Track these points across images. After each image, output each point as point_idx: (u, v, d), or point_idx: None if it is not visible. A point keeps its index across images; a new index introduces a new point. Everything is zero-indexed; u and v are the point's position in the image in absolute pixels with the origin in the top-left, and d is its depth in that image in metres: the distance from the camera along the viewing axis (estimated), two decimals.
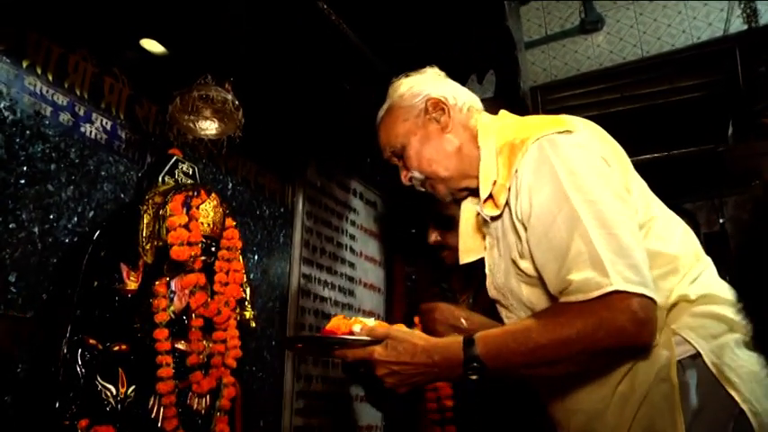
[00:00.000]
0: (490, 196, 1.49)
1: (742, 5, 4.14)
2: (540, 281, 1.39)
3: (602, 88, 3.99)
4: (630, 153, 1.52)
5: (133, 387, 1.82)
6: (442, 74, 1.76)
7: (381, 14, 2.59)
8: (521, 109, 3.48)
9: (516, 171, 1.41)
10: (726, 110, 3.89)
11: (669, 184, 1.62)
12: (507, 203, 1.45)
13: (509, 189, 1.43)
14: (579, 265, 1.23)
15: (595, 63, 4.48)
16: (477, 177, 1.56)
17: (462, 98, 1.69)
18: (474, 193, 1.65)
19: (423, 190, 1.71)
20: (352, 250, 3.79)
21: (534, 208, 1.35)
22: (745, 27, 4.03)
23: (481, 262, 1.67)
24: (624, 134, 1.52)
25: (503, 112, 1.69)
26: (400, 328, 1.40)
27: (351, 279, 3.71)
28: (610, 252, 1.21)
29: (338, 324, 1.43)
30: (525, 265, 1.42)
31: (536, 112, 3.66)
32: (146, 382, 1.84)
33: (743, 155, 3.90)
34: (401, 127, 1.65)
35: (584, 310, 1.20)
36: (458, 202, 1.75)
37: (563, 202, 1.30)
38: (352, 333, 1.39)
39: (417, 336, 1.37)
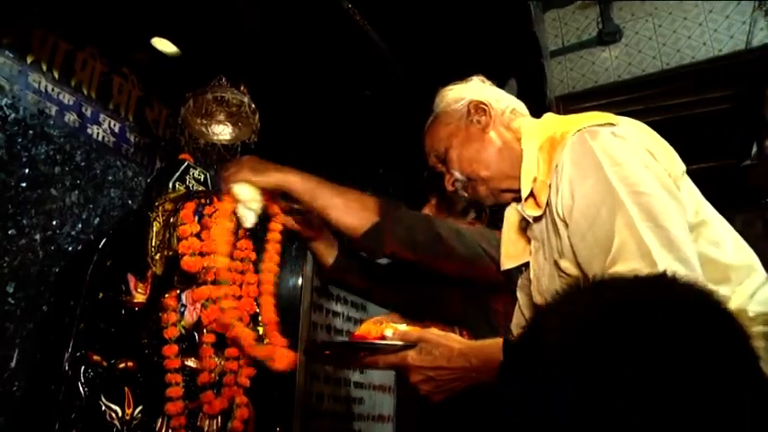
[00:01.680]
0: (531, 194, 1.44)
1: (766, 18, 4.04)
2: (584, 281, 1.28)
3: (625, 99, 3.87)
4: None
5: (140, 408, 1.68)
6: (487, 81, 1.75)
7: (405, 19, 2.47)
8: None
9: (557, 166, 1.36)
10: (752, 124, 3.78)
11: None
12: (548, 202, 1.39)
13: (550, 186, 1.38)
14: (624, 256, 1.15)
15: (613, 75, 4.37)
16: (519, 178, 1.51)
17: (505, 101, 1.68)
18: (517, 195, 1.58)
19: (466, 195, 1.67)
20: None
21: (577, 201, 1.28)
22: None
23: None
24: None
25: (548, 114, 1.63)
26: (433, 330, 1.32)
27: None
28: (658, 245, 1.13)
29: (368, 329, 1.35)
30: (565, 264, 1.34)
31: None
32: (153, 402, 1.70)
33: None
34: (444, 131, 1.66)
35: None
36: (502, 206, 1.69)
37: (607, 193, 1.23)
38: (383, 338, 1.30)
39: (453, 338, 1.30)
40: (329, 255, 2.14)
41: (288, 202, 1.96)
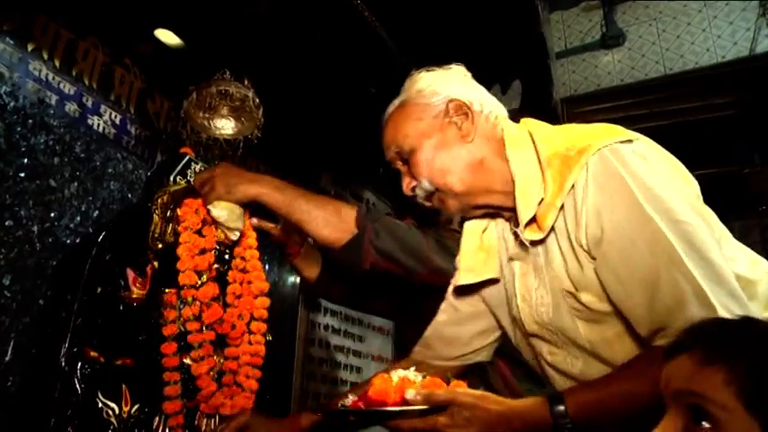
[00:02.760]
0: (534, 219, 1.27)
1: None
2: (614, 316, 1.20)
3: (630, 103, 3.85)
4: None
5: (137, 405, 1.64)
6: (469, 74, 1.52)
7: (413, 17, 2.44)
8: (552, 121, 3.34)
9: (573, 186, 1.21)
10: (756, 130, 3.76)
11: None
12: (554, 226, 1.25)
13: (561, 208, 1.24)
14: (678, 298, 1.05)
15: (616, 79, 4.36)
16: (501, 192, 1.36)
17: (489, 104, 1.45)
18: (491, 211, 1.44)
19: (428, 204, 1.46)
20: None
21: (606, 232, 1.15)
22: None
23: None
24: None
25: (526, 120, 1.45)
26: (465, 390, 1.17)
27: None
28: (707, 280, 1.05)
29: (384, 388, 1.18)
30: (588, 298, 1.23)
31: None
32: (151, 400, 1.66)
33: None
34: (413, 126, 1.42)
35: None
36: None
37: (643, 223, 1.12)
38: (404, 400, 1.14)
39: (490, 399, 1.14)
40: (312, 270, 2.08)
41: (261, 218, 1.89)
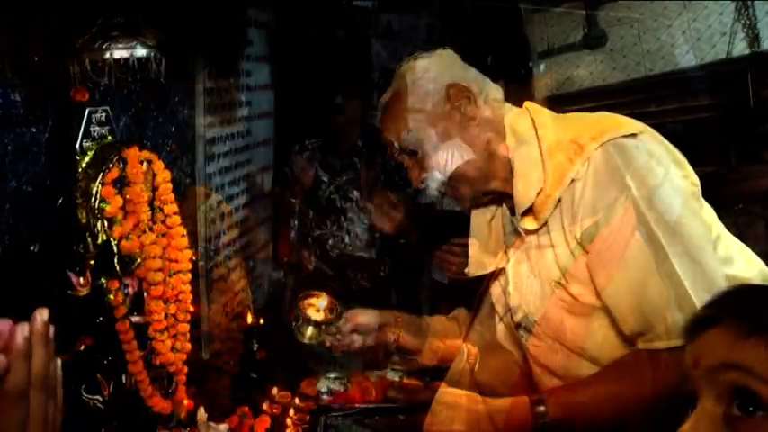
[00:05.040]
0: (531, 209, 1.31)
1: (745, 30, 4.07)
2: (602, 310, 1.24)
3: (611, 104, 3.86)
4: None
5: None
6: (458, 57, 1.54)
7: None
8: None
9: (573, 181, 1.24)
10: (733, 132, 3.81)
11: None
12: (549, 217, 1.29)
13: (559, 200, 1.26)
14: (664, 302, 1.09)
15: (598, 79, 4.36)
16: (503, 179, 1.39)
17: (486, 86, 1.48)
18: (496, 197, 1.46)
19: (437, 195, 1.50)
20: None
21: (601, 230, 1.19)
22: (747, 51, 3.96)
23: None
24: None
25: (530, 104, 1.50)
26: (447, 389, 1.20)
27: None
28: (696, 287, 1.08)
29: (366, 386, 1.28)
30: (579, 290, 1.26)
31: None
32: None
33: (747, 177, 3.83)
34: (416, 118, 1.43)
35: (679, 363, 1.01)
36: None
37: (638, 223, 1.17)
38: (386, 398, 1.22)
39: (472, 398, 1.15)
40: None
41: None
